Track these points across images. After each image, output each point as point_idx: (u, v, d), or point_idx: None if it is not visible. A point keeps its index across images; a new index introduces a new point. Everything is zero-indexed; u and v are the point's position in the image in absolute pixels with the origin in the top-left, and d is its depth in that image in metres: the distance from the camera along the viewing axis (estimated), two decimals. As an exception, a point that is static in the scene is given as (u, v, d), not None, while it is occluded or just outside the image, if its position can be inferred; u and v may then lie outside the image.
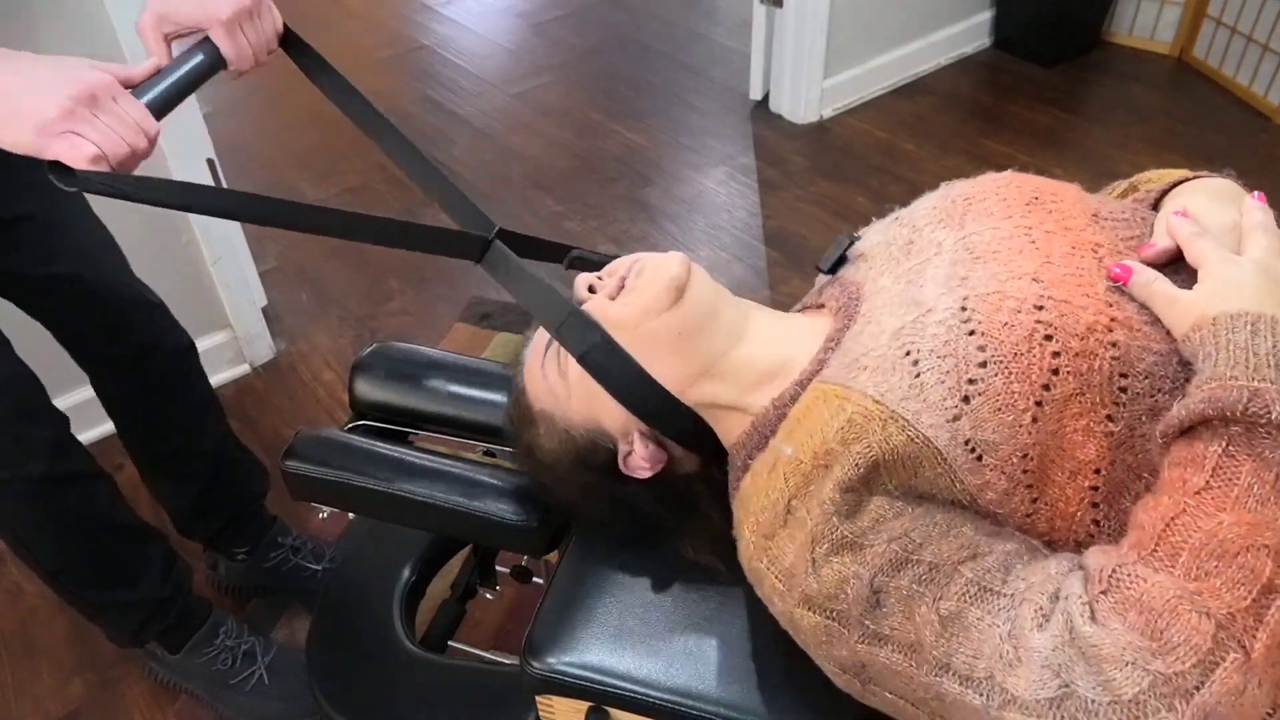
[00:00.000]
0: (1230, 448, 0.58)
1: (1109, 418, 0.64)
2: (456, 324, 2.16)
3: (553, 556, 1.05)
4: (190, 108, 1.79)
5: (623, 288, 0.80)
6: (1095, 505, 0.65)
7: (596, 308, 0.79)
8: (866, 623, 0.65)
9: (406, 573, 1.15)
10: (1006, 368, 0.64)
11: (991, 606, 0.62)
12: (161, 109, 0.83)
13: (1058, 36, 2.96)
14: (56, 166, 0.74)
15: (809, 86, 2.75)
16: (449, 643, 1.19)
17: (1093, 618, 0.57)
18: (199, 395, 1.46)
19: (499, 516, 0.93)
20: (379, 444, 1.01)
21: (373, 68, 3.32)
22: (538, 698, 0.87)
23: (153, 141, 0.81)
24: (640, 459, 0.80)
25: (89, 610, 1.37)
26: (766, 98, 2.89)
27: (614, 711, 0.83)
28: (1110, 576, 0.58)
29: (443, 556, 1.21)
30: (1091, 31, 3.06)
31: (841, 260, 0.86)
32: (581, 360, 0.77)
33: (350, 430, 1.07)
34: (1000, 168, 0.83)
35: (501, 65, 3.28)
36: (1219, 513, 0.57)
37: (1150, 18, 3.00)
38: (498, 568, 1.27)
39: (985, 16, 3.07)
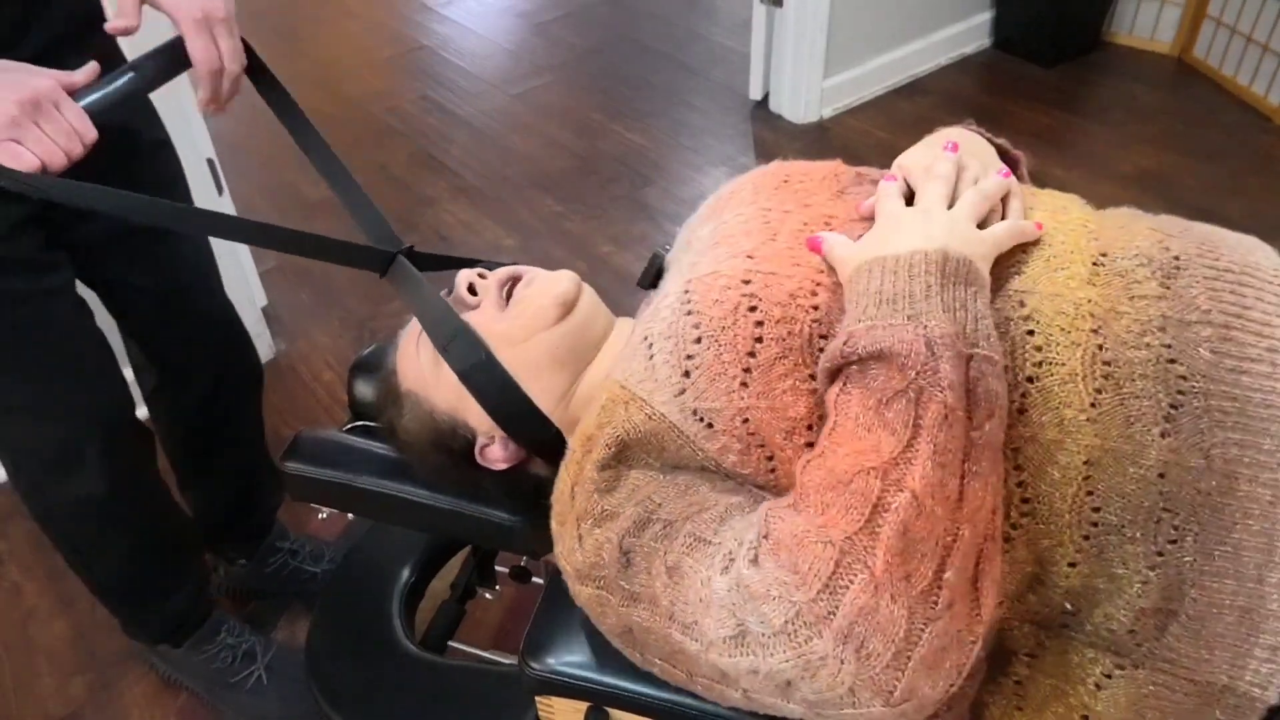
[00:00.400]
0: (847, 385, 0.62)
1: (812, 376, 0.67)
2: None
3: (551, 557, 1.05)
4: (190, 107, 1.79)
5: (509, 296, 0.84)
6: None
7: (485, 320, 0.82)
8: (622, 584, 0.68)
9: (406, 573, 1.15)
10: (716, 340, 0.68)
11: (701, 555, 0.65)
12: (102, 113, 0.85)
13: (1058, 36, 2.96)
14: None
15: (809, 86, 2.75)
16: (449, 643, 1.19)
17: (754, 560, 0.60)
18: (255, 420, 1.47)
19: (497, 517, 0.93)
20: (378, 445, 1.01)
21: (373, 68, 3.32)
22: (537, 698, 0.87)
23: (89, 148, 0.83)
24: (497, 454, 0.84)
25: (125, 616, 1.38)
26: (766, 98, 2.89)
27: (613, 711, 0.83)
28: (765, 521, 0.61)
29: (442, 557, 1.21)
30: (1091, 31, 3.06)
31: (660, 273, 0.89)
32: (463, 377, 0.80)
33: (349, 431, 1.07)
34: (1000, 168, 0.83)
35: (501, 65, 3.28)
36: (838, 448, 0.60)
37: (1150, 18, 3.00)
38: (497, 568, 1.27)
39: (985, 17, 3.07)
